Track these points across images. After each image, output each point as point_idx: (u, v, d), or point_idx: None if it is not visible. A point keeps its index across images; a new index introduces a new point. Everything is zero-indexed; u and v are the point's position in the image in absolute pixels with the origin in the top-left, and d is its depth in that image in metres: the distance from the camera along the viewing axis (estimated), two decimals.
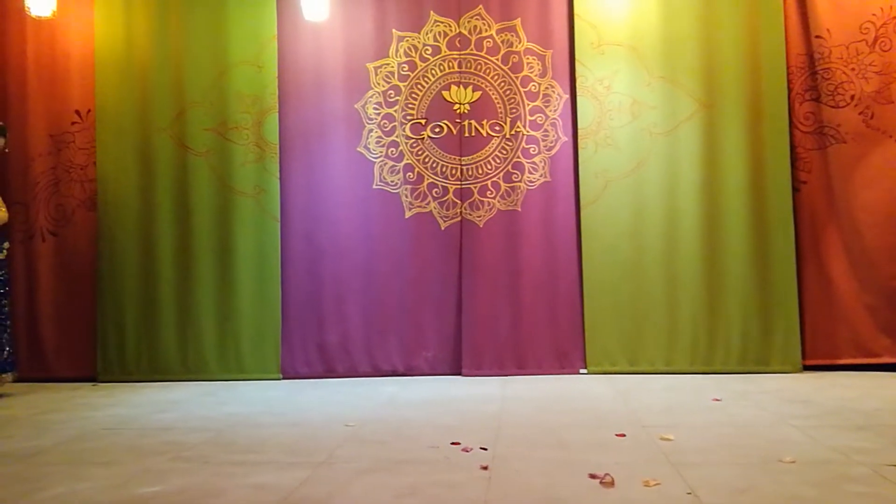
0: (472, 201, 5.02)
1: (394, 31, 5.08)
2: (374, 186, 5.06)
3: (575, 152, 4.98)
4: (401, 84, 5.08)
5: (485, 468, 2.71)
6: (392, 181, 5.06)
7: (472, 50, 5.05)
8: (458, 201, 5.03)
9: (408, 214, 5.05)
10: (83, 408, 4.16)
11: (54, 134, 5.22)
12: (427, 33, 5.08)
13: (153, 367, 5.04)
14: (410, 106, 5.07)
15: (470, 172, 5.03)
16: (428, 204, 5.05)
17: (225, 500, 2.45)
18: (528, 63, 5.03)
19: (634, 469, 2.63)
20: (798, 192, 4.82)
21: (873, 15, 4.69)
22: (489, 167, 5.02)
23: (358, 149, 5.08)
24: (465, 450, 2.97)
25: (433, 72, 5.07)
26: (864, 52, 4.69)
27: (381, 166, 5.07)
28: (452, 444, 3.06)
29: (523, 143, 5.01)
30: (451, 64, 5.06)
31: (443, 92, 5.06)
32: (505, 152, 5.02)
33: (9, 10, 5.22)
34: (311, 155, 5.10)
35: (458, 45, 5.06)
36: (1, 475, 2.83)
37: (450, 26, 5.06)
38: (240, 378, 4.96)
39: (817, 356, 4.75)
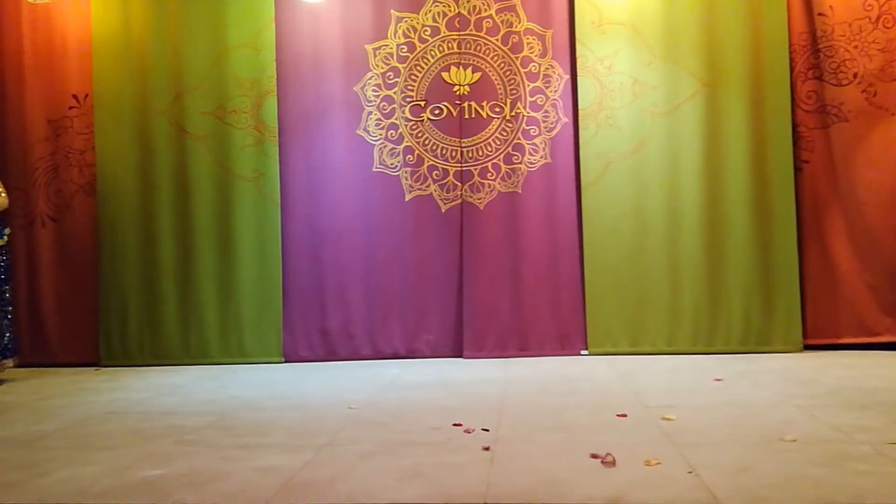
0: (473, 183, 5.00)
1: (392, 11, 5.04)
2: (374, 169, 5.04)
3: (576, 133, 4.95)
4: (400, 66, 5.04)
5: (487, 449, 2.71)
6: (392, 164, 5.04)
7: (471, 30, 5.01)
8: (459, 183, 5.01)
9: (408, 197, 5.03)
10: (86, 392, 4.17)
11: (52, 119, 5.20)
12: (426, 14, 5.03)
13: (155, 352, 5.05)
14: (410, 88, 5.03)
15: (470, 154, 5.00)
16: (428, 186, 5.03)
17: (228, 483, 2.46)
18: (528, 43, 4.99)
19: (636, 449, 2.64)
20: (800, 171, 4.80)
21: None
22: (489, 149, 5.00)
23: (357, 131, 5.06)
24: (468, 431, 2.98)
25: (432, 53, 5.03)
26: (867, 29, 4.65)
27: (380, 149, 5.04)
28: (454, 425, 3.07)
29: (523, 125, 4.98)
30: (450, 45, 5.02)
31: (442, 73, 5.02)
32: (505, 134, 4.99)
33: None
34: (310, 138, 5.08)
35: (458, 25, 5.02)
36: (4, 460, 2.84)
37: (449, 6, 5.02)
38: (242, 362, 4.97)
39: (819, 336, 4.75)
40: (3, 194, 3.89)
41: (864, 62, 4.65)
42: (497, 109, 4.99)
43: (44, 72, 5.20)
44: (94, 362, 5.07)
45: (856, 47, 4.67)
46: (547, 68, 4.98)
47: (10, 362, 4.59)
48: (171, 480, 2.50)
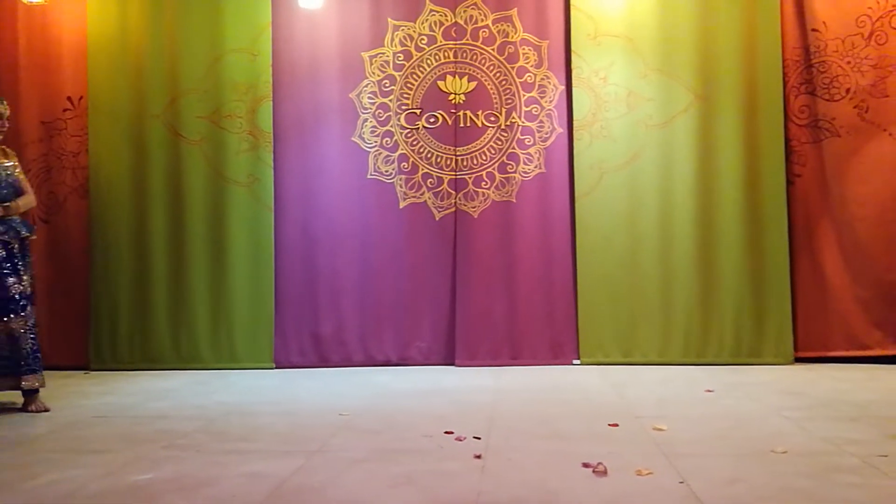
0: (467, 192, 5.01)
1: (389, 20, 5.06)
2: (369, 176, 5.05)
3: (570, 143, 4.97)
4: (396, 73, 5.05)
5: (478, 457, 2.71)
6: (386, 171, 5.05)
7: (467, 40, 5.03)
8: (453, 192, 5.02)
9: (402, 205, 5.04)
10: (75, 396, 4.15)
11: (46, 121, 5.18)
12: (423, 22, 5.05)
13: (146, 356, 5.02)
14: (405, 96, 5.05)
15: (465, 163, 5.01)
16: (422, 194, 5.04)
17: (218, 488, 2.45)
18: (523, 53, 5.01)
19: (627, 459, 2.64)
20: (792, 185, 4.83)
21: (869, 8, 4.69)
22: (484, 158, 5.01)
23: (352, 138, 5.06)
24: (459, 439, 2.97)
25: (428, 61, 5.05)
26: (859, 45, 4.69)
27: (375, 156, 5.05)
28: (446, 433, 3.06)
29: (518, 134, 5.00)
30: (446, 54, 5.04)
31: (438, 82, 5.04)
32: (500, 143, 5.01)
33: None
34: (305, 144, 5.08)
35: (454, 34, 5.04)
36: None
37: (446, 16, 5.04)
38: (233, 367, 4.95)
39: (809, 348, 4.77)
40: (31, 193, 4.04)
41: (856, 78, 4.69)
42: (492, 119, 5.01)
43: (38, 73, 5.19)
44: (85, 366, 5.04)
45: (848, 63, 4.71)
46: (542, 79, 5.01)
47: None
48: (160, 485, 2.48)
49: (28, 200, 4.00)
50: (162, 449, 2.94)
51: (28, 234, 3.93)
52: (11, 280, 3.77)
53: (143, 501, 2.34)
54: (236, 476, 2.56)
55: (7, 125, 3.97)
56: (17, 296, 3.77)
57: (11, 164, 3.96)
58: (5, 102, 3.97)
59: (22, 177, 4.01)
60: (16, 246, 3.84)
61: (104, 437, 3.19)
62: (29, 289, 3.86)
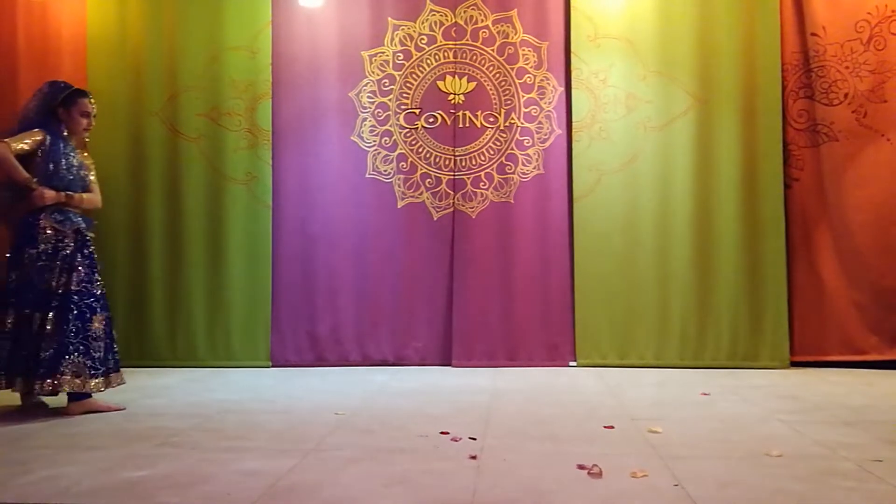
0: (465, 192, 5.01)
1: (389, 19, 5.06)
2: (367, 175, 5.05)
3: (569, 145, 4.98)
4: (395, 73, 5.05)
5: (474, 458, 2.71)
6: (385, 171, 5.05)
7: (467, 40, 5.03)
8: (451, 192, 5.02)
9: (400, 204, 5.04)
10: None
11: None
12: (423, 22, 5.05)
13: (142, 353, 5.01)
14: (405, 95, 5.05)
15: (463, 163, 5.02)
16: (421, 194, 5.04)
17: (213, 485, 2.44)
18: (523, 54, 5.02)
19: (622, 461, 2.64)
20: (790, 189, 4.84)
21: (868, 13, 4.70)
22: (483, 158, 5.01)
23: (351, 137, 5.06)
24: (455, 439, 2.97)
25: (428, 61, 5.05)
26: (858, 50, 4.71)
27: (374, 155, 5.05)
28: (442, 433, 3.06)
29: (517, 135, 5.00)
30: (446, 54, 5.04)
31: (437, 82, 5.04)
32: (499, 144, 5.01)
33: None
34: (304, 142, 5.08)
35: (454, 34, 5.04)
36: None
37: (446, 16, 5.04)
38: (229, 365, 4.94)
39: (806, 353, 4.78)
40: (98, 194, 3.87)
41: (854, 83, 4.70)
42: (491, 119, 5.01)
43: (37, 68, 5.15)
44: None
45: (847, 68, 4.72)
46: (542, 80, 5.01)
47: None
48: (154, 482, 2.47)
49: (92, 198, 3.80)
50: (156, 446, 2.93)
51: (84, 227, 3.71)
52: (46, 276, 3.58)
53: (137, 498, 2.33)
54: (231, 474, 2.55)
55: (93, 124, 3.82)
56: (52, 292, 3.55)
57: (88, 163, 3.83)
58: (93, 100, 3.80)
59: (93, 178, 3.85)
60: (69, 240, 3.65)
61: (98, 433, 3.18)
62: (66, 287, 3.59)
